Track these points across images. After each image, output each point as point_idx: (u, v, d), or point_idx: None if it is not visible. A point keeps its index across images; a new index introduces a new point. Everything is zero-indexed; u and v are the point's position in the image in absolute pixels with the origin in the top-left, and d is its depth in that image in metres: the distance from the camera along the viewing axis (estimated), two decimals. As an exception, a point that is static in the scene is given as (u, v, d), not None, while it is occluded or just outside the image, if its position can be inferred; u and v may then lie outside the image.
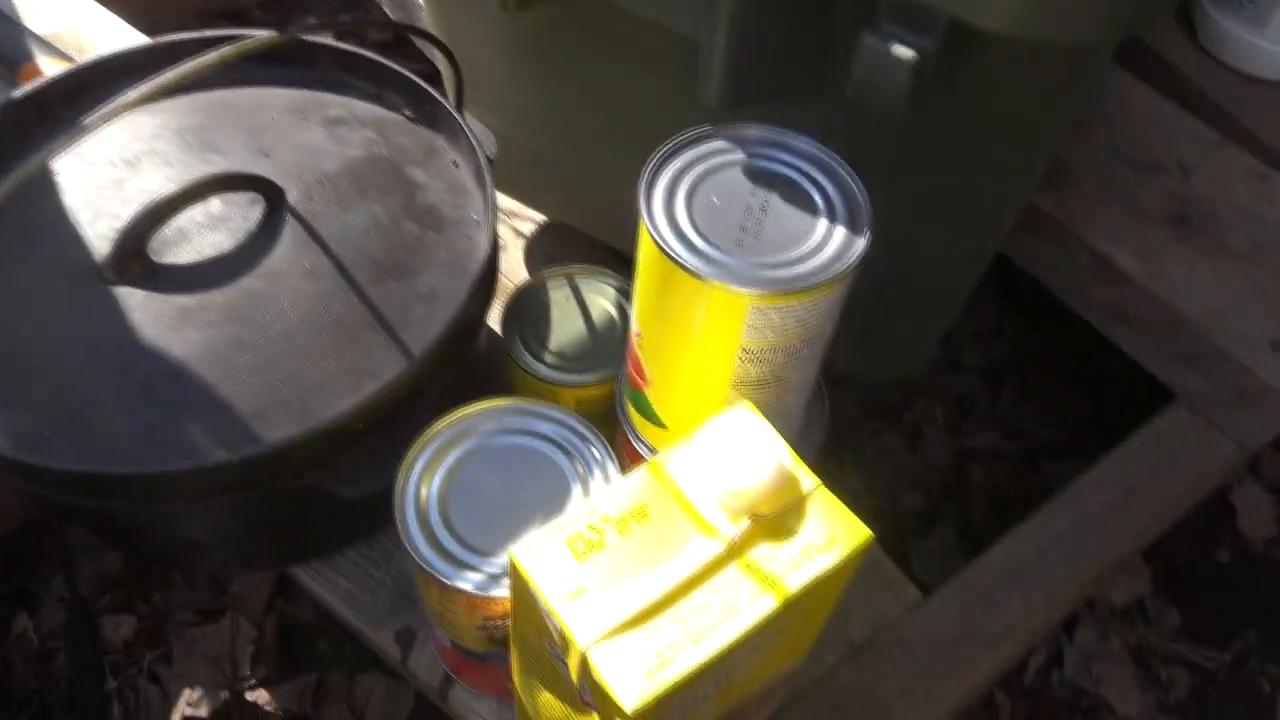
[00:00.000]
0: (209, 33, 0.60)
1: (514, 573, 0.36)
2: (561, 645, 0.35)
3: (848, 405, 0.90)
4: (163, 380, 0.50)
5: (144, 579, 0.80)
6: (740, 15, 0.40)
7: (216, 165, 0.56)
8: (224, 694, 0.76)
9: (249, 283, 0.52)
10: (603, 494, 0.37)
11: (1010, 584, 0.64)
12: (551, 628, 0.35)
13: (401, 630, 0.60)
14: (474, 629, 0.48)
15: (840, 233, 0.42)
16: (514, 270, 0.79)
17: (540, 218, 0.82)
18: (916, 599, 0.64)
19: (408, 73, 0.61)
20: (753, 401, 0.40)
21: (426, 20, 0.68)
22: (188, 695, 0.76)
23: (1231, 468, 0.74)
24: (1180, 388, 0.73)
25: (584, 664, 0.34)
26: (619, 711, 0.33)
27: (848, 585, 0.40)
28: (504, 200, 0.83)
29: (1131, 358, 0.76)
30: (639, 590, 0.34)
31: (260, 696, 0.76)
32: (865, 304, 0.63)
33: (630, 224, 0.42)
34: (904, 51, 0.39)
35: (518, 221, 0.82)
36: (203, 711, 0.75)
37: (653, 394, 0.49)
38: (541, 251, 0.81)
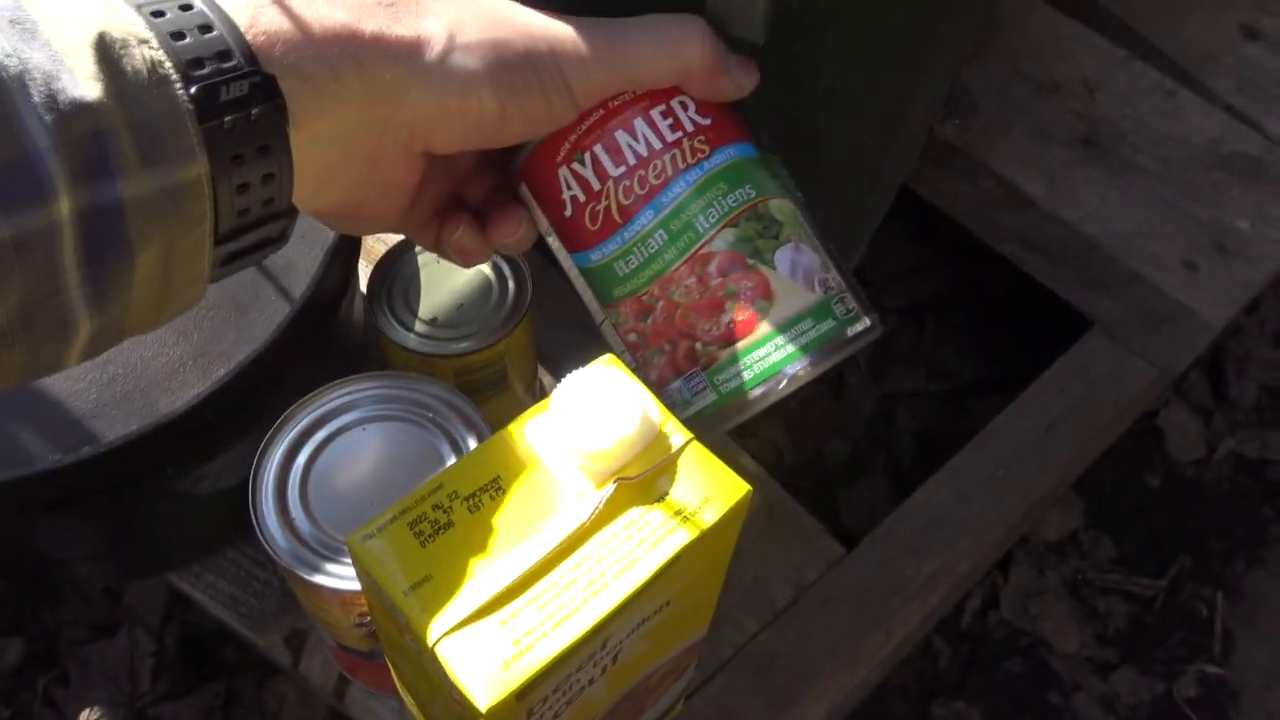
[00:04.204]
0: None
1: (356, 563, 0.32)
2: (415, 641, 0.31)
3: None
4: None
5: (31, 596, 0.75)
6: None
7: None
8: (125, 712, 0.71)
9: (79, 268, 0.48)
10: (450, 468, 0.33)
11: (932, 531, 0.62)
12: (400, 622, 0.31)
13: (291, 633, 0.56)
14: (351, 627, 0.44)
15: None
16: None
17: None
18: (839, 555, 0.61)
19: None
20: None
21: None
22: (86, 716, 0.72)
23: (1155, 392, 0.71)
24: (1096, 315, 0.71)
25: (435, 661, 0.30)
26: (473, 711, 0.29)
27: (743, 543, 0.37)
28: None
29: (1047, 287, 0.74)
30: (493, 573, 0.31)
31: (164, 711, 0.72)
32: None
33: None
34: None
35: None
36: (102, 732, 0.71)
37: None
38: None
